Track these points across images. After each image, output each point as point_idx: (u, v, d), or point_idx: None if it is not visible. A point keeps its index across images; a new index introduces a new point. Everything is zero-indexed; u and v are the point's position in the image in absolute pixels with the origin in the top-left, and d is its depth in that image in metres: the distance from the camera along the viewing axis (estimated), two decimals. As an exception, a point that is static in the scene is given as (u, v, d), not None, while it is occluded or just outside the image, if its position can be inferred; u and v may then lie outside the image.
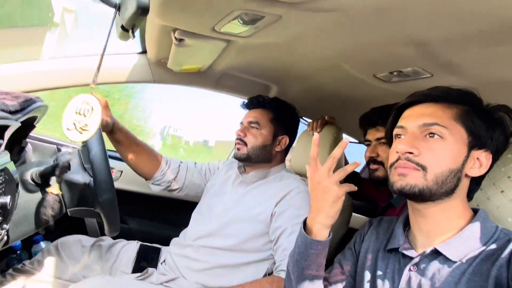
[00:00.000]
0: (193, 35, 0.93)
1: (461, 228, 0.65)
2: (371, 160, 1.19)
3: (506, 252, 0.57)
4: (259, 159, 1.24)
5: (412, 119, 0.68)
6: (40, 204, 0.85)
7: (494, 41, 0.71)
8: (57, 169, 0.80)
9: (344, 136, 1.88)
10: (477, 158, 0.66)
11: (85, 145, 0.95)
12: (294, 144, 1.40)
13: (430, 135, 0.65)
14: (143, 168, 1.27)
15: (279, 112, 1.28)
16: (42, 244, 1.35)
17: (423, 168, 0.64)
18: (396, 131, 0.72)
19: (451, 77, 0.92)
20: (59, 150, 1.42)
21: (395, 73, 1.00)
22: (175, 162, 1.34)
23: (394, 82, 1.07)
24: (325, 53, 1.00)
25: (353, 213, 1.51)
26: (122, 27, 0.74)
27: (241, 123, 1.30)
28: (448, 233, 0.66)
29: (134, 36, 0.76)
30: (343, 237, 1.33)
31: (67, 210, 0.94)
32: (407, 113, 0.71)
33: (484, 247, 0.61)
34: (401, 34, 0.78)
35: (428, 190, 0.63)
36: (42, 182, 0.88)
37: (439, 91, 0.69)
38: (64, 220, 0.90)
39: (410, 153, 0.65)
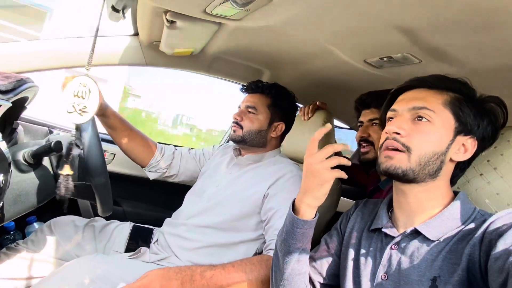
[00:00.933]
0: (185, 17, 0.93)
1: (441, 209, 0.68)
2: (362, 140, 1.21)
3: (479, 232, 0.60)
4: (253, 143, 1.26)
5: (403, 103, 0.71)
6: (34, 183, 0.86)
7: (479, 28, 0.72)
8: (56, 147, 0.82)
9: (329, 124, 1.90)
10: (463, 144, 0.68)
11: (78, 127, 0.96)
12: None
13: (418, 118, 0.68)
14: (138, 154, 1.30)
15: (277, 99, 1.30)
16: (36, 225, 1.36)
17: (408, 149, 0.67)
18: (389, 114, 0.74)
19: (440, 63, 0.94)
20: (50, 132, 1.42)
21: (385, 58, 1.01)
22: (169, 149, 1.37)
23: (384, 68, 1.08)
24: (316, 37, 1.01)
25: (342, 197, 1.54)
26: (113, 7, 0.74)
27: (239, 106, 1.31)
28: (429, 214, 0.69)
29: (125, 17, 0.76)
30: (330, 220, 1.37)
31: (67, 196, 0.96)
32: (400, 97, 0.74)
33: (461, 227, 0.64)
34: (391, 20, 0.79)
35: (411, 171, 0.66)
36: (35, 162, 0.89)
37: (433, 78, 0.72)
38: (57, 201, 0.92)
39: (398, 133, 0.68)
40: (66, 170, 0.83)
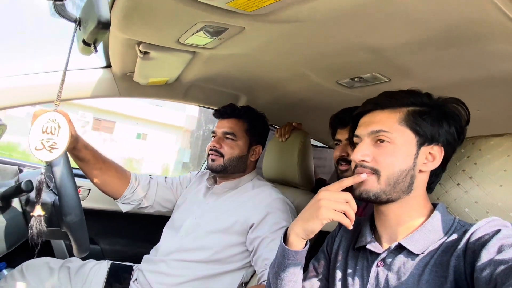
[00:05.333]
0: (158, 47, 0.94)
1: (422, 222, 0.69)
2: (341, 159, 1.22)
3: (462, 243, 0.61)
4: (234, 169, 1.23)
5: (363, 128, 0.73)
6: (2, 227, 0.81)
7: (442, 45, 0.77)
8: (27, 187, 0.77)
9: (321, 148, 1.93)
10: (429, 153, 0.70)
11: (49, 164, 0.91)
12: (265, 153, 1.42)
13: (379, 141, 0.70)
14: (112, 186, 1.21)
15: (253, 122, 1.29)
16: (5, 272, 1.26)
17: (376, 172, 0.68)
18: (354, 139, 0.76)
19: (407, 81, 0.98)
20: (20, 171, 1.35)
21: (356, 79, 1.05)
22: (145, 179, 1.29)
23: (355, 87, 1.12)
24: (289, 62, 1.04)
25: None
26: (84, 41, 0.73)
27: (214, 132, 1.28)
28: (410, 228, 0.69)
29: (96, 51, 0.75)
30: (315, 241, 1.36)
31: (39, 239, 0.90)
32: (361, 121, 0.76)
33: (443, 239, 0.65)
34: (358, 42, 0.83)
35: (382, 193, 0.68)
36: (3, 205, 0.84)
37: (384, 97, 0.74)
38: (28, 244, 0.86)
39: (363, 160, 0.69)
40: (37, 210, 0.78)
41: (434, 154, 0.70)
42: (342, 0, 0.65)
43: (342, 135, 1.24)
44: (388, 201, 0.69)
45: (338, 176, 1.26)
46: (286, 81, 1.23)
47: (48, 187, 0.92)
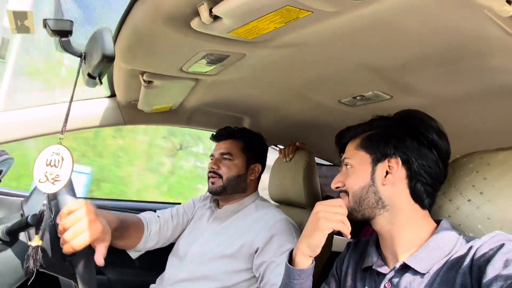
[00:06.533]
0: (162, 76, 0.95)
1: (426, 239, 0.69)
2: None
3: (467, 260, 0.60)
4: (234, 190, 1.23)
5: (342, 157, 0.84)
6: (11, 261, 0.80)
7: (442, 62, 0.78)
8: (33, 220, 0.77)
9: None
10: (389, 167, 0.74)
11: (54, 198, 0.91)
12: (270, 174, 1.41)
13: (346, 166, 0.80)
14: (127, 244, 1.15)
15: (249, 141, 1.29)
16: (11, 308, 1.24)
17: (346, 193, 0.77)
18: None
19: (409, 97, 0.99)
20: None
21: (358, 97, 1.06)
22: (155, 223, 1.23)
23: (358, 105, 1.13)
24: (290, 84, 1.05)
25: (336, 236, 1.51)
26: (89, 74, 0.75)
27: (212, 155, 1.29)
28: (413, 246, 0.69)
29: (101, 83, 0.77)
30: (327, 261, 1.33)
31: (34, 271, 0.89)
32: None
33: (448, 256, 0.64)
34: (359, 62, 0.84)
35: (353, 210, 0.75)
36: (10, 239, 0.83)
37: (345, 132, 0.86)
38: (36, 279, 0.85)
39: (338, 187, 0.80)
40: (35, 241, 0.77)
41: (392, 167, 0.73)
42: (340, 24, 0.66)
43: None
44: (367, 219, 0.75)
45: None
46: (288, 102, 1.24)
47: (50, 217, 0.91)
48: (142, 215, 1.22)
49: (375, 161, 0.75)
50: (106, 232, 0.87)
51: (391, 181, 0.73)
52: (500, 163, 0.76)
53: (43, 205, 0.78)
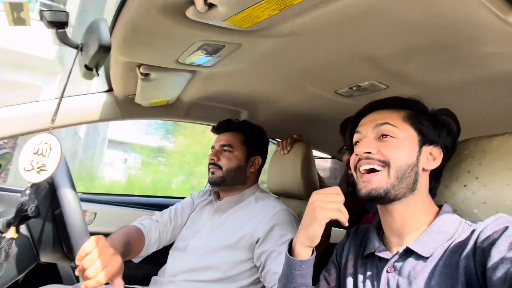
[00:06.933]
0: (158, 68, 0.96)
1: (429, 224, 0.69)
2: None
3: (471, 243, 0.60)
4: (234, 181, 1.24)
5: (367, 124, 0.75)
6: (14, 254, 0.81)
7: (436, 49, 0.78)
8: (34, 212, 0.76)
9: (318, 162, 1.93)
10: (430, 153, 0.72)
11: (50, 187, 0.91)
12: (267, 166, 1.42)
13: (383, 136, 0.71)
14: (131, 257, 1.15)
15: (250, 133, 1.31)
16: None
17: (386, 164, 0.69)
18: (355, 137, 0.77)
19: (405, 86, 0.99)
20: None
21: (354, 88, 1.07)
22: (155, 230, 1.24)
23: (354, 96, 1.13)
24: (287, 75, 1.06)
25: (333, 228, 1.52)
26: (86, 66, 0.75)
27: (213, 147, 1.30)
28: (418, 230, 0.69)
29: (98, 75, 0.77)
30: (324, 252, 1.34)
31: (40, 257, 0.90)
32: (363, 121, 0.78)
33: (451, 240, 0.64)
34: (355, 52, 0.85)
35: (392, 187, 0.68)
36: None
37: (388, 99, 0.77)
38: (35, 270, 0.86)
39: (369, 152, 0.70)
40: (10, 233, 0.76)
41: (434, 155, 0.72)
42: (334, 12, 0.66)
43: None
44: (395, 199, 0.69)
45: (347, 180, 1.26)
46: (285, 94, 1.25)
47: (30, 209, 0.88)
48: (142, 224, 1.22)
49: (422, 143, 0.72)
50: (122, 263, 0.89)
51: (429, 167, 0.72)
52: (495, 149, 0.77)
53: (26, 195, 0.76)
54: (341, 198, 0.71)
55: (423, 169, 0.71)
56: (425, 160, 0.71)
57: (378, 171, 0.69)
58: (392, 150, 0.69)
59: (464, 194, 0.77)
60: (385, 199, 0.69)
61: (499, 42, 0.71)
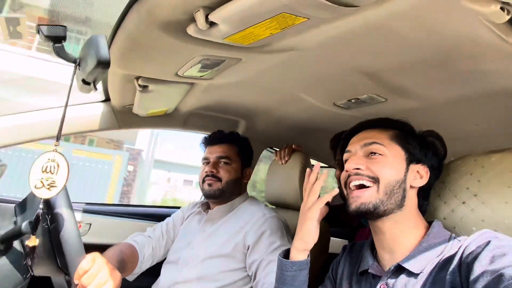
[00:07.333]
0: (157, 81, 0.95)
1: (419, 240, 0.70)
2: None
3: (457, 258, 0.61)
4: (231, 193, 1.24)
5: (356, 143, 0.78)
6: (5, 270, 0.79)
7: (435, 65, 0.79)
8: (27, 228, 0.77)
9: (313, 161, 1.93)
10: (417, 171, 0.74)
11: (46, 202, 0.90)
12: (266, 177, 1.41)
13: (371, 154, 0.74)
14: (125, 275, 1.13)
15: (242, 146, 1.31)
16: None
17: (376, 180, 0.71)
18: (344, 156, 0.79)
19: (403, 100, 1.00)
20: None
21: (352, 100, 1.07)
22: (148, 246, 1.23)
23: (352, 108, 1.13)
24: (286, 87, 1.05)
25: (332, 238, 1.52)
26: (83, 80, 0.74)
27: (206, 158, 1.27)
28: (408, 247, 0.70)
29: (96, 89, 0.76)
30: (324, 263, 1.33)
31: (32, 270, 0.88)
32: (352, 139, 0.80)
33: (440, 256, 0.65)
34: (354, 66, 0.85)
35: (381, 203, 0.70)
36: (4, 248, 0.82)
37: (376, 119, 0.80)
38: (29, 283, 0.84)
39: (358, 168, 0.72)
40: (32, 241, 0.77)
41: (421, 173, 0.74)
42: (335, 29, 0.66)
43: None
44: (384, 214, 0.71)
45: (341, 193, 1.26)
46: (283, 105, 1.25)
47: (46, 220, 0.91)
48: (135, 241, 1.21)
49: (410, 161, 0.74)
50: (121, 278, 0.90)
51: (417, 184, 0.73)
52: (493, 165, 0.77)
53: (40, 208, 0.77)
54: (313, 176, 0.77)
55: (411, 186, 0.73)
56: (412, 177, 0.73)
57: (368, 187, 0.71)
58: (380, 167, 0.71)
59: (462, 211, 0.77)
60: (374, 214, 0.70)
61: (499, 60, 0.71)
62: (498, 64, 0.73)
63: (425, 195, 0.76)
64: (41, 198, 0.77)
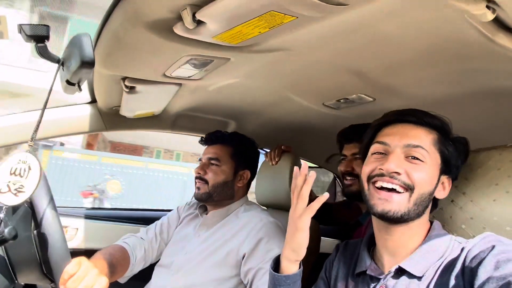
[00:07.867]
0: (144, 81, 0.93)
1: (420, 242, 0.68)
2: (346, 174, 1.21)
3: (460, 262, 0.61)
4: (221, 196, 1.20)
5: (396, 139, 0.69)
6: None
7: (423, 65, 0.79)
8: (10, 235, 0.72)
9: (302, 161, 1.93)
10: (442, 183, 0.70)
11: (31, 206, 0.87)
12: (256, 178, 1.40)
13: (412, 157, 0.67)
14: (116, 278, 1.11)
15: (239, 147, 1.26)
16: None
17: (410, 188, 0.65)
18: (376, 146, 0.72)
19: (392, 99, 1.00)
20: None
21: (342, 100, 1.07)
22: (140, 248, 1.20)
23: (342, 108, 1.14)
24: (275, 87, 1.05)
25: (323, 237, 1.52)
26: (67, 81, 0.72)
27: (200, 160, 1.25)
28: (410, 249, 0.69)
29: (81, 90, 0.74)
30: (314, 264, 1.33)
31: (17, 278, 0.85)
32: (390, 130, 0.72)
33: (442, 259, 0.64)
34: (343, 66, 0.85)
35: (408, 212, 0.65)
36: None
37: (420, 113, 0.71)
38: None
39: (397, 173, 0.65)
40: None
41: (445, 185, 0.71)
42: (324, 29, 0.66)
43: (348, 150, 1.23)
44: (404, 222, 0.67)
45: (343, 190, 1.25)
46: (273, 106, 1.24)
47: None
48: (126, 243, 1.18)
49: (442, 171, 0.69)
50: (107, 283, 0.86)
51: (439, 196, 0.70)
52: (480, 163, 0.78)
53: (0, 218, 0.70)
54: (302, 179, 0.71)
55: (434, 197, 0.70)
56: (439, 189, 0.70)
57: (400, 192, 0.65)
58: (420, 175, 0.65)
59: (451, 209, 0.78)
60: (396, 220, 0.66)
61: (486, 59, 0.72)
62: (485, 64, 0.73)
63: (436, 202, 0.73)
64: (4, 205, 0.70)
